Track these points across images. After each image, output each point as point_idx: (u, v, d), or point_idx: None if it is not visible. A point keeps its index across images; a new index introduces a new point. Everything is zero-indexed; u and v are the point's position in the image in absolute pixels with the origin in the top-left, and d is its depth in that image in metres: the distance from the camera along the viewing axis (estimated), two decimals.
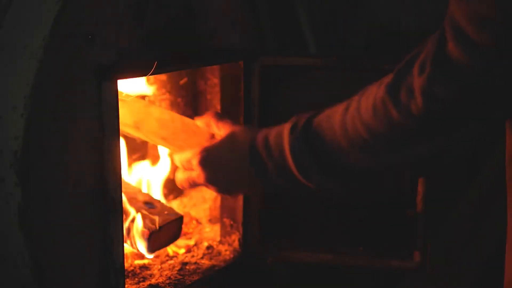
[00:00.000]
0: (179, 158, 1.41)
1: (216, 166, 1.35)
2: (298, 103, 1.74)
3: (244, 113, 1.70)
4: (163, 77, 1.87)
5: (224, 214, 1.79)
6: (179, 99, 1.90)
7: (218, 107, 1.80)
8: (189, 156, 1.37)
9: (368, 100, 1.09)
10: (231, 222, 1.77)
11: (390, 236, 1.73)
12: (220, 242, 1.80)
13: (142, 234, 1.61)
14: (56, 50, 1.25)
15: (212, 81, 1.85)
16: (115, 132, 1.35)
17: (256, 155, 1.27)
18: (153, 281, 1.58)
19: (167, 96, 1.90)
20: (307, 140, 1.19)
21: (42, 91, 1.23)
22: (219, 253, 1.76)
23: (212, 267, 1.68)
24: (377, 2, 1.87)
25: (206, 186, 1.38)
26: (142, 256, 1.68)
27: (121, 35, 1.37)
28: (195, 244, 1.80)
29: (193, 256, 1.74)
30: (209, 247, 1.78)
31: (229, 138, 1.36)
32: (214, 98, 1.85)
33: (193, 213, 1.94)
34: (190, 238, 1.83)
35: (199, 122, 1.48)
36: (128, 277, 1.58)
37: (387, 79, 1.08)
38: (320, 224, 1.78)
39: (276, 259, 1.75)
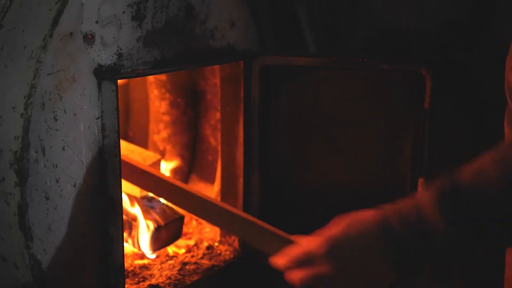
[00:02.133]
0: (290, 255, 1.19)
1: (345, 255, 1.13)
2: (298, 103, 1.74)
3: (244, 113, 1.70)
4: (163, 77, 1.87)
5: None
6: (179, 99, 1.90)
7: (218, 107, 1.80)
8: (308, 248, 1.16)
9: None
10: None
11: None
12: (220, 242, 1.80)
13: (145, 233, 1.62)
14: (56, 50, 1.25)
15: (212, 81, 1.85)
16: (115, 132, 1.35)
17: (392, 233, 1.08)
18: (153, 281, 1.58)
19: (167, 96, 1.90)
20: (460, 203, 1.04)
21: (42, 91, 1.23)
22: (219, 253, 1.76)
23: (212, 267, 1.68)
24: (377, 2, 1.87)
25: (334, 282, 1.14)
26: (142, 256, 1.68)
27: (121, 35, 1.37)
28: (195, 244, 1.80)
29: (193, 256, 1.74)
30: (209, 247, 1.78)
31: (354, 223, 1.15)
32: (214, 98, 1.85)
33: None
34: (190, 238, 1.83)
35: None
36: (128, 277, 1.58)
37: None
38: (320, 224, 1.78)
39: None
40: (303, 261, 1.16)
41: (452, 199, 1.04)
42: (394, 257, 1.08)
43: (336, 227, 1.15)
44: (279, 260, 1.20)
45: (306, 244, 1.16)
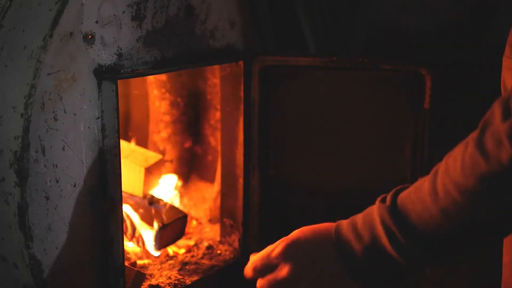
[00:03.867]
0: (254, 259, 1.24)
1: (302, 254, 1.18)
2: (298, 103, 1.74)
3: (244, 113, 1.70)
4: (163, 77, 1.87)
5: (224, 214, 1.79)
6: (179, 99, 1.90)
7: (218, 107, 1.80)
8: (268, 251, 1.21)
9: (456, 160, 1.01)
10: (231, 222, 1.78)
11: None
12: (220, 242, 1.80)
13: (150, 233, 1.62)
14: (56, 50, 1.25)
15: (212, 81, 1.85)
16: (115, 132, 1.35)
17: (342, 238, 1.14)
18: (153, 281, 1.58)
19: (167, 96, 1.90)
20: (397, 214, 1.08)
21: (42, 91, 1.23)
22: (219, 253, 1.76)
23: (212, 267, 1.68)
24: (377, 2, 1.87)
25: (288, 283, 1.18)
26: (142, 256, 1.68)
27: (121, 35, 1.37)
28: (195, 244, 1.80)
29: (193, 256, 1.74)
30: (209, 247, 1.78)
31: (309, 228, 1.21)
32: (214, 98, 1.85)
33: (193, 213, 1.94)
34: (190, 238, 1.83)
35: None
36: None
37: (474, 134, 1.00)
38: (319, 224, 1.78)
39: None
40: (264, 268, 1.20)
41: (390, 208, 1.08)
42: (342, 257, 1.12)
43: (294, 233, 1.20)
44: (246, 271, 1.25)
45: (265, 250, 1.20)
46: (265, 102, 1.71)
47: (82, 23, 1.29)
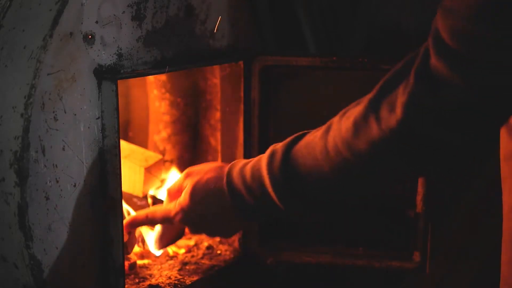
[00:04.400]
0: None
1: (195, 221, 1.38)
2: (298, 103, 1.74)
3: (244, 113, 1.70)
4: (163, 77, 1.87)
5: None
6: (179, 99, 1.90)
7: (218, 107, 1.80)
8: (165, 214, 1.41)
9: (349, 119, 1.06)
10: None
11: (390, 236, 1.73)
12: (220, 242, 1.80)
13: (151, 232, 1.62)
14: (56, 50, 1.25)
15: (212, 81, 1.85)
16: (115, 132, 1.35)
17: (234, 190, 1.26)
18: (153, 281, 1.58)
19: (167, 96, 1.90)
20: (287, 170, 1.16)
21: (42, 91, 1.23)
22: (219, 253, 1.76)
23: (212, 267, 1.68)
24: (377, 2, 1.87)
25: (186, 219, 1.39)
26: (142, 256, 1.68)
27: (121, 35, 1.37)
28: (195, 244, 1.80)
29: (193, 256, 1.74)
30: (209, 247, 1.78)
31: (197, 186, 1.34)
32: (214, 98, 1.85)
33: None
34: (190, 238, 1.83)
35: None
36: (128, 277, 1.58)
37: (369, 95, 1.07)
38: (320, 224, 1.78)
39: (276, 259, 1.75)
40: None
41: (281, 164, 1.18)
42: (237, 212, 1.27)
43: (185, 195, 1.35)
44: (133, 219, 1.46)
45: (163, 209, 1.41)
46: (265, 102, 1.71)
47: (82, 23, 1.29)
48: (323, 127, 1.14)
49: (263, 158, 1.24)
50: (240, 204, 1.27)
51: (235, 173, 1.28)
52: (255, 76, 1.68)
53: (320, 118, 1.76)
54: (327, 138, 1.10)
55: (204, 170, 1.37)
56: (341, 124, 1.08)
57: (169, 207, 1.40)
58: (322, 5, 1.96)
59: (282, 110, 1.74)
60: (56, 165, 1.27)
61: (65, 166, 1.29)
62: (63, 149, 1.28)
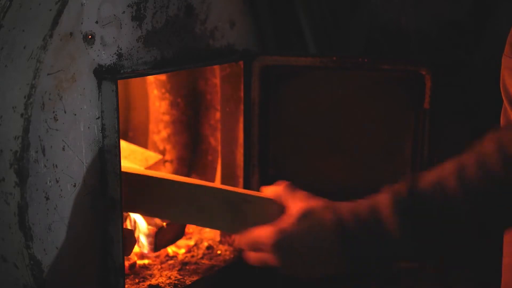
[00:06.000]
0: (246, 238, 1.23)
1: (294, 250, 1.15)
2: (298, 103, 1.74)
3: (244, 113, 1.70)
4: (163, 77, 1.87)
5: None
6: (179, 99, 1.90)
7: (218, 107, 1.80)
8: (260, 236, 1.18)
9: (492, 155, 0.98)
10: None
11: None
12: (220, 242, 1.80)
13: (149, 233, 1.62)
14: (56, 50, 1.25)
15: (212, 81, 1.85)
16: (115, 132, 1.35)
17: (347, 233, 1.09)
18: (153, 281, 1.58)
19: (167, 96, 1.90)
20: (416, 208, 1.04)
21: (42, 91, 1.23)
22: (219, 253, 1.76)
23: (212, 267, 1.68)
24: (377, 2, 1.87)
25: (282, 270, 1.18)
26: (142, 256, 1.68)
27: (121, 35, 1.37)
28: (195, 244, 1.80)
29: (193, 256, 1.74)
30: (209, 247, 1.78)
31: (307, 217, 1.16)
32: (214, 98, 1.85)
33: None
34: (190, 238, 1.83)
35: (269, 192, 1.32)
36: (128, 277, 1.58)
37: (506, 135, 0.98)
38: None
39: None
40: (255, 247, 1.20)
41: (409, 204, 1.04)
42: (345, 256, 1.10)
43: (289, 219, 1.16)
44: (238, 241, 1.25)
45: (259, 232, 1.19)
46: (265, 102, 1.71)
47: (82, 23, 1.29)
48: (454, 162, 1.04)
49: (382, 197, 1.09)
50: (348, 244, 1.10)
51: (345, 211, 1.11)
52: (255, 76, 1.68)
53: (320, 118, 1.77)
54: (460, 177, 1.00)
55: (308, 197, 1.21)
56: (483, 160, 0.99)
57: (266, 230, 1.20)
58: (322, 5, 1.96)
59: (282, 110, 1.74)
60: (56, 165, 1.27)
61: (65, 166, 1.29)
62: (63, 149, 1.28)
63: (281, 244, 1.15)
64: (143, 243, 1.65)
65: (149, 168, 1.75)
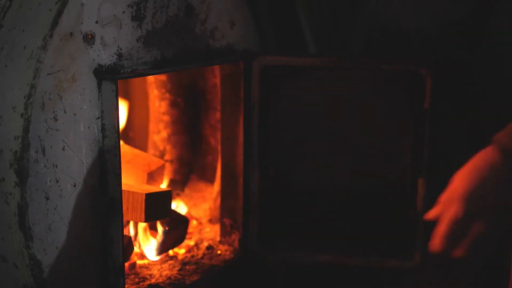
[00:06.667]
0: (439, 235, 1.28)
1: (483, 204, 1.22)
2: (298, 103, 1.74)
3: (244, 113, 1.70)
4: (163, 77, 1.87)
5: (224, 214, 1.79)
6: (179, 99, 1.90)
7: (218, 107, 1.80)
8: (451, 218, 1.25)
9: None
10: (231, 222, 1.77)
11: (390, 236, 1.73)
12: (220, 242, 1.80)
13: (151, 238, 1.62)
14: (56, 50, 1.25)
15: (212, 81, 1.85)
16: (115, 132, 1.35)
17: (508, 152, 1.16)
18: (153, 281, 1.58)
19: (167, 96, 1.90)
20: None
21: (42, 91, 1.23)
22: (219, 253, 1.76)
23: (212, 267, 1.68)
24: (377, 2, 1.87)
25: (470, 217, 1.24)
26: (142, 256, 1.68)
27: (121, 35, 1.37)
28: (195, 244, 1.79)
29: (193, 256, 1.74)
30: (209, 247, 1.78)
31: (474, 170, 1.23)
32: (214, 98, 1.85)
33: (193, 213, 1.94)
34: (190, 238, 1.83)
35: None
36: (128, 277, 1.58)
37: None
38: (320, 224, 1.78)
39: (275, 259, 1.75)
40: (455, 231, 1.23)
41: None
42: None
43: (462, 184, 1.22)
44: (436, 242, 1.27)
45: (446, 215, 1.23)
46: (265, 102, 1.71)
47: (82, 23, 1.29)
48: None
49: None
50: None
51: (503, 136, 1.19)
52: (255, 76, 1.68)
53: (320, 118, 1.77)
54: None
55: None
56: None
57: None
58: (322, 5, 1.95)
59: (282, 110, 1.74)
60: (56, 165, 1.27)
61: (65, 166, 1.29)
62: (63, 149, 1.28)
63: (471, 208, 1.21)
64: (145, 248, 1.65)
65: (151, 173, 1.75)
